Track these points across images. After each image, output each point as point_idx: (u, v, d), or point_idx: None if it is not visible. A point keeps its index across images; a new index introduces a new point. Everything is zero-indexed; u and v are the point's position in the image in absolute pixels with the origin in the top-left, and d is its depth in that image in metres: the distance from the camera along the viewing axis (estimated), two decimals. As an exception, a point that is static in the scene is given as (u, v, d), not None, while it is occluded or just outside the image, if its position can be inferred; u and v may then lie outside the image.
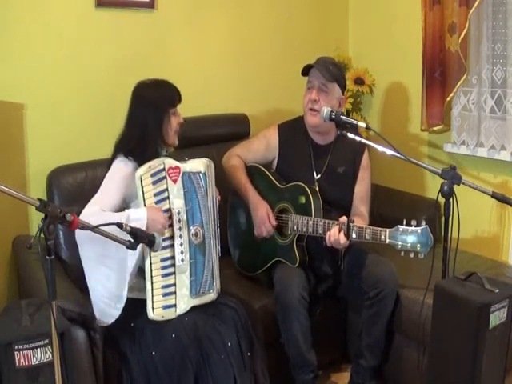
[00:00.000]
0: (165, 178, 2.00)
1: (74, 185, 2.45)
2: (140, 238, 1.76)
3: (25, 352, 1.70)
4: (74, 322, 1.88)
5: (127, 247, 1.76)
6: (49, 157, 2.52)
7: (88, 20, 2.59)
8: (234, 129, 3.01)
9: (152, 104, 2.05)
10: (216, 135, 2.95)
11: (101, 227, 1.61)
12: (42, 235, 1.44)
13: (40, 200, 1.44)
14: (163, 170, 1.99)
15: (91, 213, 1.89)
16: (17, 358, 1.69)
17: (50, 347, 1.70)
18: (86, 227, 1.57)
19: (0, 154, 2.43)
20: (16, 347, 1.69)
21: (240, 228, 2.60)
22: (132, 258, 1.89)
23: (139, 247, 1.86)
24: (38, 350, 1.71)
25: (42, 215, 1.45)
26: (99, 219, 1.78)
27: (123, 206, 2.02)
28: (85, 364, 1.89)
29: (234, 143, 2.71)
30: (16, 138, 2.48)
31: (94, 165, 2.46)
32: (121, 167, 2.03)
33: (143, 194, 1.96)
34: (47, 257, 1.46)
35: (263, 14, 3.16)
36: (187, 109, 2.86)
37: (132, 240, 1.75)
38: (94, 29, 2.61)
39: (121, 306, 1.93)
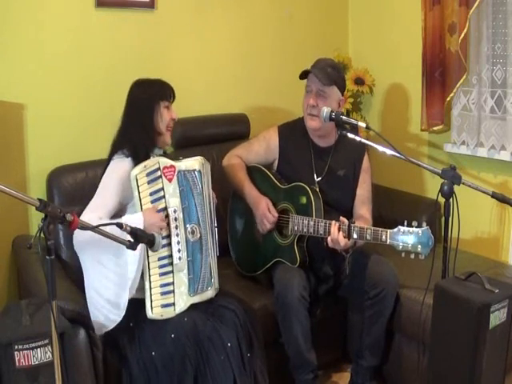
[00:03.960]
0: (160, 177, 1.99)
1: (74, 185, 2.45)
2: (140, 238, 1.76)
3: (25, 352, 1.70)
4: (73, 322, 1.88)
5: (127, 247, 1.76)
6: (49, 157, 2.52)
7: (88, 20, 2.59)
8: (234, 129, 3.01)
9: (144, 94, 2.08)
10: (216, 135, 2.94)
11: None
12: (42, 235, 1.44)
13: (40, 200, 1.43)
14: (158, 169, 1.99)
15: (89, 221, 1.88)
16: (17, 358, 1.69)
17: (50, 347, 1.70)
18: (86, 227, 1.57)
19: (0, 153, 2.43)
20: (16, 347, 1.69)
21: (240, 229, 2.59)
22: (132, 267, 1.88)
23: (139, 255, 1.86)
24: (38, 350, 1.71)
25: (42, 215, 1.45)
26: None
27: (120, 208, 2.02)
28: (85, 364, 1.89)
29: (234, 143, 2.71)
30: (16, 138, 2.48)
31: (94, 165, 2.46)
32: (117, 167, 2.02)
33: (139, 193, 1.95)
34: (47, 257, 1.46)
35: (264, 14, 3.16)
36: (187, 109, 2.88)
37: (132, 240, 1.75)
38: (93, 29, 2.61)
39: (121, 312, 1.92)
